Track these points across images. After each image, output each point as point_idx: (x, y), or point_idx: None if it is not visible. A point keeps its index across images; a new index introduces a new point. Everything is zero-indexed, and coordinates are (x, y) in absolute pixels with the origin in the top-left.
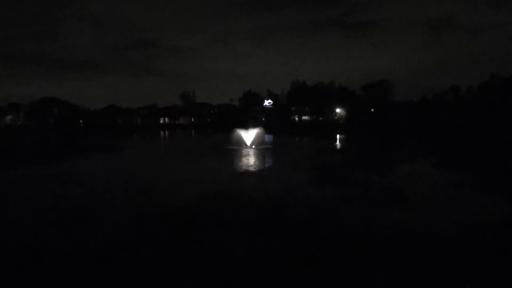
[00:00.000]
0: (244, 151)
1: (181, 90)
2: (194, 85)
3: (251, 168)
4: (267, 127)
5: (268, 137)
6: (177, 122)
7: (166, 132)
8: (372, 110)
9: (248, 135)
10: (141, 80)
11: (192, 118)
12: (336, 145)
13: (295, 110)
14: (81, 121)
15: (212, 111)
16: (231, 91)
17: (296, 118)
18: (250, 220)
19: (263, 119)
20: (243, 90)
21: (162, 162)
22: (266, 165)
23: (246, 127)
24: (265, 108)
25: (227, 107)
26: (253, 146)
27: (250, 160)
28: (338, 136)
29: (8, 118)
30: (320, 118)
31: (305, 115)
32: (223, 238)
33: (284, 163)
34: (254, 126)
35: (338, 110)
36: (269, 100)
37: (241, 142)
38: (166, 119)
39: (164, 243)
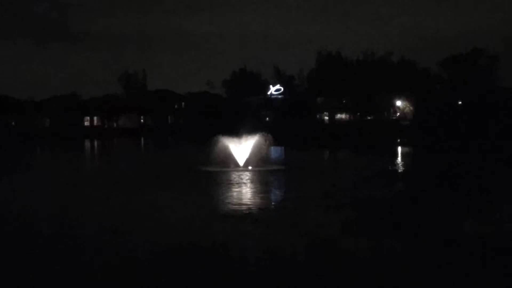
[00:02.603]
0: (234, 176)
1: (123, 68)
2: (144, 61)
3: (244, 210)
4: (275, 133)
5: (276, 151)
6: (115, 124)
7: (96, 142)
8: (460, 102)
9: (241, 147)
10: (51, 52)
11: (142, 117)
12: (398, 164)
13: (324, 103)
14: None
15: (176, 105)
16: (210, 71)
17: (326, 117)
18: None
19: (267, 118)
20: (232, 68)
21: (85, 199)
22: (273, 205)
23: (237, 132)
24: (271, 99)
25: (203, 97)
26: (250, 168)
27: (243, 193)
28: (400, 148)
29: None
30: (369, 117)
31: (341, 112)
32: None
33: (306, 199)
34: (251, 131)
35: (399, 103)
36: (278, 86)
37: (228, 160)
38: (96, 118)
39: None
